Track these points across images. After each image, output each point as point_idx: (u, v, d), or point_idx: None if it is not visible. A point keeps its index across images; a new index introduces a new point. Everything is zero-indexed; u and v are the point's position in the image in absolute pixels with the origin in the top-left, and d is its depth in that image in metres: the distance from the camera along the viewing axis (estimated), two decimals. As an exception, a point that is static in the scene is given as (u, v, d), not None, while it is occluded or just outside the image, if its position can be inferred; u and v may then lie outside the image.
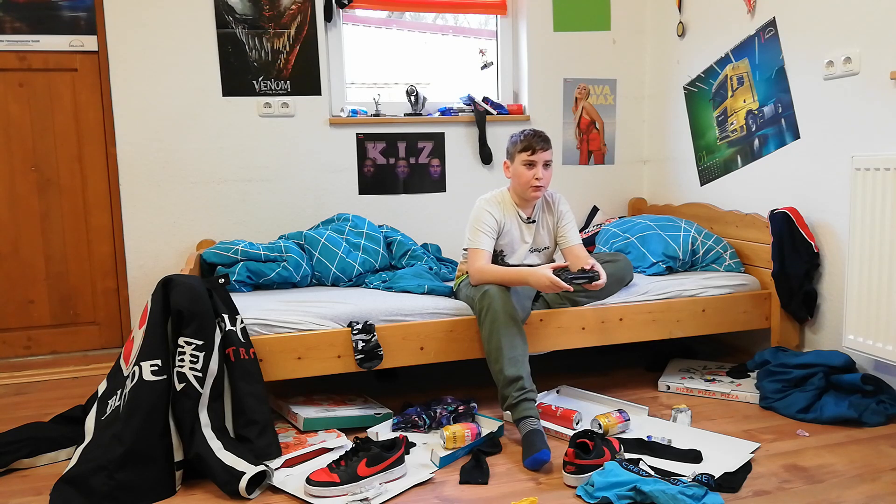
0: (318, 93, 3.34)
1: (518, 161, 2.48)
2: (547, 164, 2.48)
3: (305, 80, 3.32)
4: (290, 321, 2.32)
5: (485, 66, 3.72)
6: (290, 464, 2.04)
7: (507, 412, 2.19)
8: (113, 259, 3.27)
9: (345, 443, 2.16)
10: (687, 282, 2.75)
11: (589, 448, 1.94)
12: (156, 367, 1.99)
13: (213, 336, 2.08)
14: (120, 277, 3.27)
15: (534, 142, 2.45)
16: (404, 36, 3.90)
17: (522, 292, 2.45)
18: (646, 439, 2.14)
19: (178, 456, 1.95)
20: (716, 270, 2.90)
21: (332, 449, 2.14)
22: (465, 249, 2.54)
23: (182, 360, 2.01)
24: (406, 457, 2.02)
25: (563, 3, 3.58)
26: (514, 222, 2.55)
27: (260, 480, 1.92)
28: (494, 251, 2.53)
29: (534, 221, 2.57)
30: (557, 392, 2.61)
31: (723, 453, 2.07)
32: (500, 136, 3.58)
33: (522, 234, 2.57)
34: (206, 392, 2.02)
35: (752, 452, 2.08)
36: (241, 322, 2.21)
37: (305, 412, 2.31)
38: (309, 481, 1.85)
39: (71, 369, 3.08)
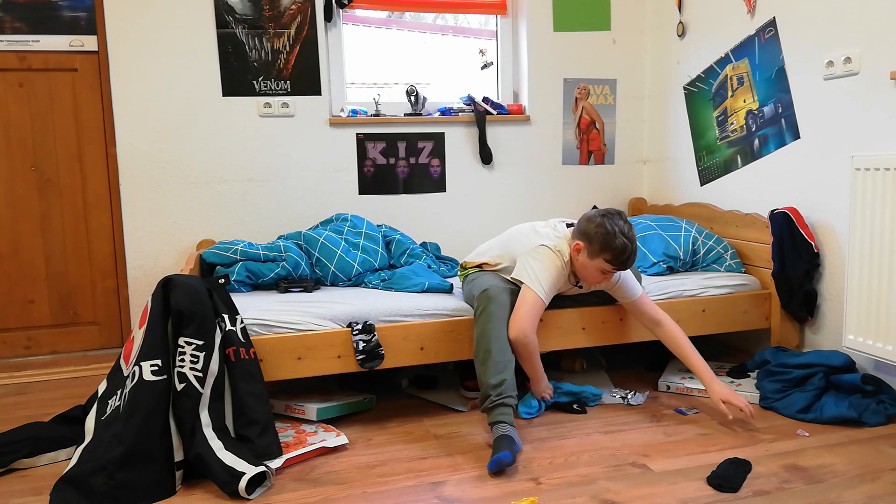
0: (318, 93, 3.34)
1: (597, 261, 2.27)
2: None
3: (305, 80, 3.32)
4: (290, 321, 2.32)
5: (485, 66, 3.72)
6: (290, 463, 2.05)
7: (485, 413, 2.19)
8: (113, 259, 3.27)
9: (344, 440, 2.17)
10: (687, 282, 2.75)
11: None
12: (156, 367, 1.99)
13: (214, 336, 2.09)
14: (120, 277, 3.27)
15: (627, 262, 2.25)
16: (404, 36, 3.90)
17: None
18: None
19: (178, 456, 1.95)
20: (716, 270, 2.90)
21: (332, 448, 2.14)
22: (520, 280, 2.35)
23: (182, 360, 2.01)
24: None
25: (563, 3, 3.58)
26: (566, 285, 2.47)
27: (260, 481, 1.92)
28: None
29: (582, 287, 2.49)
30: None
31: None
32: (500, 136, 3.58)
33: (570, 294, 2.53)
34: (206, 392, 2.02)
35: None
36: (241, 322, 2.21)
37: (313, 405, 2.37)
38: (468, 388, 2.48)
39: (71, 369, 3.08)
